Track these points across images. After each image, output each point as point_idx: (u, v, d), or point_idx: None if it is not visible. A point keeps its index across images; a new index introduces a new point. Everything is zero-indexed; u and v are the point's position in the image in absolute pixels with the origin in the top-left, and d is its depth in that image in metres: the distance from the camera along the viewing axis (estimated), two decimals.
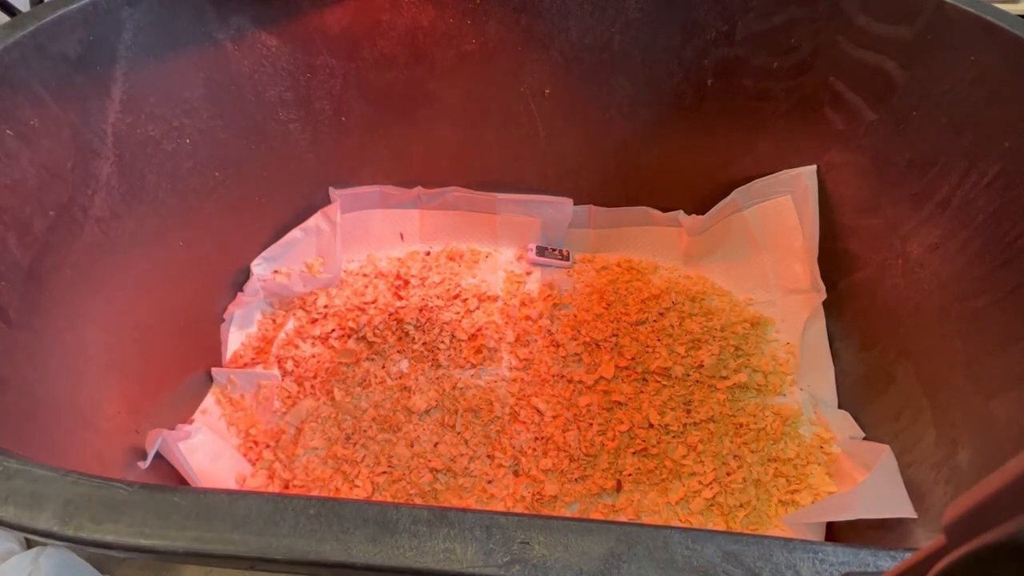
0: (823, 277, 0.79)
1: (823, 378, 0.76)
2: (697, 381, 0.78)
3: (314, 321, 0.84)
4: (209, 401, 0.76)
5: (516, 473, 0.70)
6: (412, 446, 0.72)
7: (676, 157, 0.83)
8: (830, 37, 0.70)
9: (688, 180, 0.86)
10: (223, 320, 0.82)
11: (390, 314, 0.84)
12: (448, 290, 0.88)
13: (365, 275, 0.90)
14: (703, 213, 0.88)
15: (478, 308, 0.86)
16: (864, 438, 0.69)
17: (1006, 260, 0.57)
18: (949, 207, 0.64)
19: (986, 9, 0.60)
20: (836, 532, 0.64)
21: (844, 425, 0.70)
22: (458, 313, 0.85)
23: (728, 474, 0.69)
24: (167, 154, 0.73)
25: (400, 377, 0.79)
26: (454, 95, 0.87)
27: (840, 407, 0.73)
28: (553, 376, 0.79)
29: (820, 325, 0.78)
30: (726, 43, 0.74)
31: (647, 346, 0.81)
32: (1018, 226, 0.56)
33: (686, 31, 0.74)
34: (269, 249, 0.88)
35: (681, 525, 0.65)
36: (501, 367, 0.80)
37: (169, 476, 0.66)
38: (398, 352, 0.81)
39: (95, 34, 0.64)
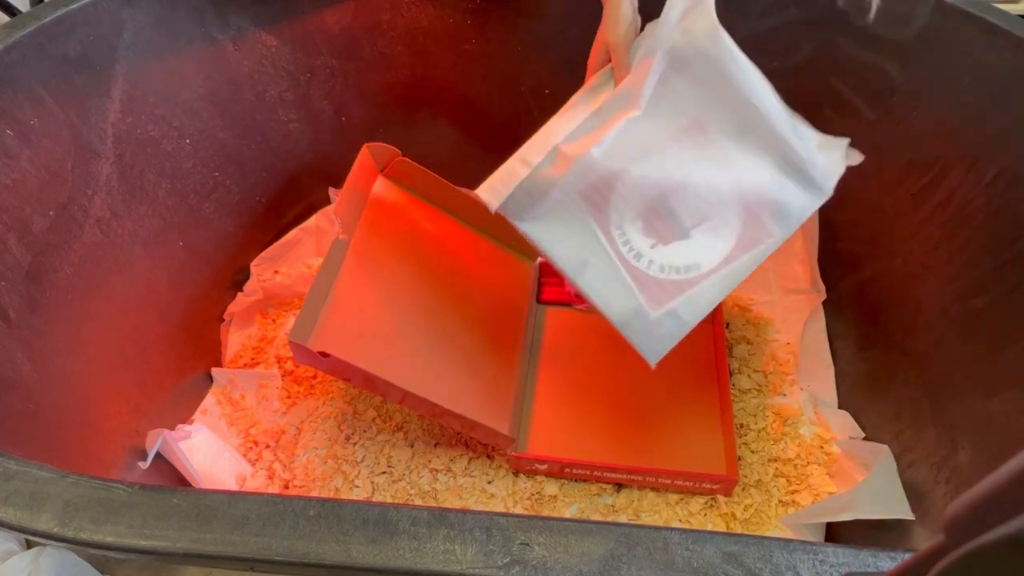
0: (823, 277, 0.79)
1: (823, 378, 0.76)
2: None
3: None
4: (209, 401, 0.76)
5: (516, 473, 0.70)
6: (412, 446, 0.72)
7: None
8: (830, 38, 0.70)
9: None
10: (223, 320, 0.82)
11: None
12: None
13: None
14: None
15: None
16: (864, 438, 0.69)
17: (1006, 260, 0.57)
18: (949, 207, 0.64)
19: (986, 9, 0.60)
20: (836, 532, 0.64)
21: (844, 425, 0.70)
22: None
23: None
24: (167, 154, 0.73)
25: None
26: (454, 95, 0.87)
27: (840, 407, 0.73)
28: None
29: (820, 325, 0.78)
30: None
31: None
32: (1018, 226, 0.56)
33: None
34: (269, 249, 0.87)
35: (681, 526, 0.65)
36: None
37: (169, 476, 0.66)
38: None
39: (95, 34, 0.64)
